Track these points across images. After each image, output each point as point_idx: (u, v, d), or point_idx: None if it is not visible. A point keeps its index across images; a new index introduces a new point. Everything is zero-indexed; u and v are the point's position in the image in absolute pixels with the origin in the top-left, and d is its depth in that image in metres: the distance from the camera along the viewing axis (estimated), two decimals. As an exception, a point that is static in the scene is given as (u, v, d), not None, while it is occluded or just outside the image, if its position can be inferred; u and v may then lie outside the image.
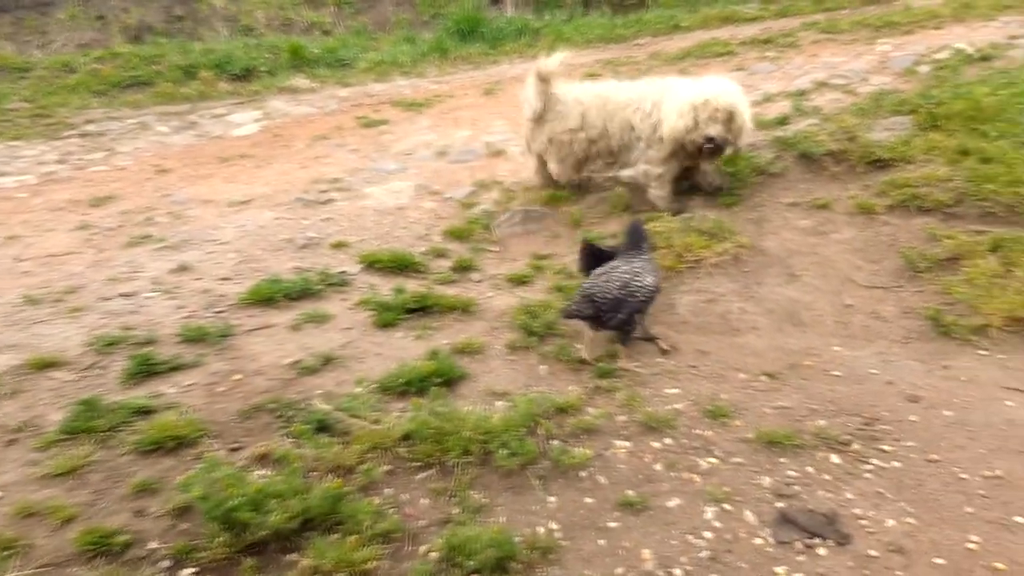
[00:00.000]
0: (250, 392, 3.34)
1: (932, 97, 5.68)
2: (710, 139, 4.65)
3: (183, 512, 2.66)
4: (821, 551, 2.52)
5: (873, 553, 2.50)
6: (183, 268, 4.60)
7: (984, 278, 3.99)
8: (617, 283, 3.57)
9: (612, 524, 2.66)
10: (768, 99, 6.55)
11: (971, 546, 2.51)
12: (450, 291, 4.31)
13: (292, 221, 5.35)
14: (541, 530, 2.63)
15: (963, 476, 2.84)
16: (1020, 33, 7.65)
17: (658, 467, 2.92)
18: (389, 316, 3.96)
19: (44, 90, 9.57)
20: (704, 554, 2.52)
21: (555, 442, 3.01)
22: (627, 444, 3.04)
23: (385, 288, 4.32)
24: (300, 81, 9.73)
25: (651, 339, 3.82)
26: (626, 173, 5.45)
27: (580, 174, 5.49)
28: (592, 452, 2.97)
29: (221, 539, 2.47)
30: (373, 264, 4.60)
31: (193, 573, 2.45)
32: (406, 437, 2.98)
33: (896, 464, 2.91)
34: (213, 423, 3.13)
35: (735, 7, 11.27)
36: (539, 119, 5.28)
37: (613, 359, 3.64)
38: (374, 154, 6.92)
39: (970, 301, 3.92)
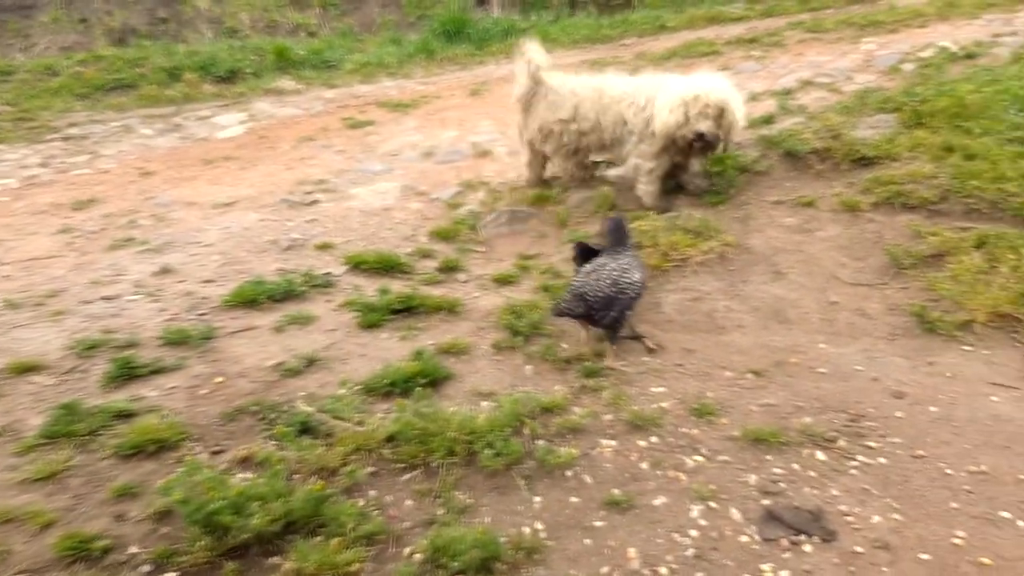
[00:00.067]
0: (232, 394, 3.31)
1: (916, 95, 5.69)
2: (700, 135, 4.64)
3: (164, 516, 2.62)
4: (807, 548, 2.51)
5: (859, 549, 2.49)
6: (166, 270, 4.56)
7: (969, 274, 4.00)
8: (607, 280, 3.56)
9: (598, 523, 2.64)
10: (754, 98, 6.55)
11: (957, 541, 2.51)
12: (436, 292, 4.29)
13: (277, 223, 5.32)
14: (526, 530, 2.61)
15: (948, 472, 2.84)
16: (1004, 31, 7.70)
17: (644, 466, 2.91)
18: (374, 317, 3.93)
19: (26, 93, 9.50)
20: (690, 552, 2.51)
21: (541, 442, 2.99)
22: (613, 443, 3.03)
23: (370, 289, 4.29)
24: (286, 83, 9.70)
25: (637, 338, 3.81)
26: (613, 172, 5.46)
27: (577, 167, 5.47)
28: (578, 451, 2.96)
29: (202, 543, 2.44)
30: (358, 265, 4.57)
31: (173, 578, 2.42)
32: (390, 438, 2.95)
33: (882, 460, 2.91)
34: (195, 426, 3.10)
35: (721, 7, 11.32)
36: (528, 104, 5.28)
37: (599, 358, 3.63)
38: (360, 155, 6.90)
39: (955, 297, 3.92)
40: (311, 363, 3.55)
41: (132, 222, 5.53)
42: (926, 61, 6.92)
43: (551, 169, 5.65)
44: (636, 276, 3.62)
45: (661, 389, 3.40)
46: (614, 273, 3.58)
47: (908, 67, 6.87)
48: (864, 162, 5.06)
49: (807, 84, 6.84)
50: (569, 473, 2.87)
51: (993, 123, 5.14)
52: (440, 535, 2.50)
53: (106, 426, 3.07)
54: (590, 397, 3.34)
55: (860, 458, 2.92)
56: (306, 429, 3.03)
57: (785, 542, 2.53)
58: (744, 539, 2.56)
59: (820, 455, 2.94)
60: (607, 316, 3.56)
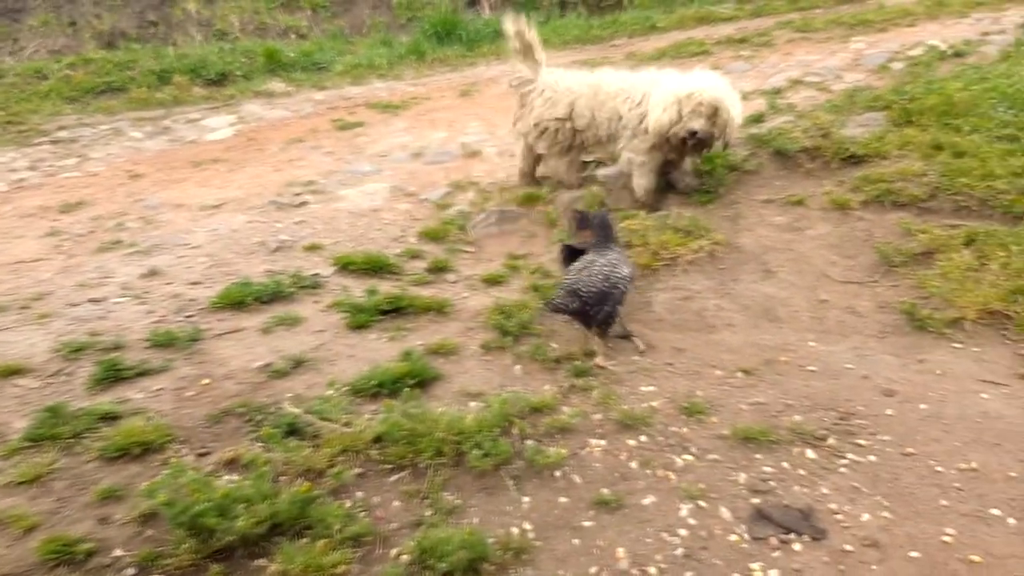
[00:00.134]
0: (219, 396, 3.28)
1: (906, 93, 5.71)
2: (693, 133, 4.63)
3: (149, 519, 2.60)
4: (796, 546, 2.50)
5: (848, 548, 2.48)
6: (153, 273, 4.53)
7: (958, 272, 4.00)
8: (599, 276, 3.55)
9: (587, 523, 2.63)
10: (744, 97, 6.48)
11: (946, 539, 2.50)
12: (425, 292, 4.27)
13: (265, 224, 5.29)
14: (515, 531, 2.59)
15: (938, 469, 2.83)
16: (992, 30, 7.74)
17: (633, 465, 2.90)
18: (362, 318, 3.91)
19: (15, 97, 9.42)
20: (679, 551, 2.49)
21: (529, 442, 2.98)
22: (602, 443, 3.01)
23: (358, 290, 4.27)
24: (276, 85, 9.66)
25: (627, 336, 3.79)
26: (603, 172, 5.44)
27: (570, 167, 5.45)
28: (567, 451, 2.94)
29: (187, 545, 2.42)
30: (347, 266, 4.55)
31: (158, 581, 2.40)
32: (378, 439, 2.93)
33: (872, 458, 2.90)
34: (181, 428, 3.07)
35: (710, 7, 11.34)
36: (524, 96, 5.27)
37: (589, 357, 3.61)
38: (349, 156, 6.87)
39: (945, 295, 3.92)
40: (298, 364, 3.52)
41: (120, 225, 5.49)
42: (915, 60, 6.94)
43: (542, 169, 5.64)
44: (625, 271, 3.64)
45: (651, 388, 3.38)
46: (605, 268, 3.58)
47: (897, 66, 6.89)
48: (854, 160, 5.06)
49: (796, 83, 6.85)
50: (558, 473, 2.85)
51: (982, 121, 5.15)
52: (427, 536, 2.48)
53: (91, 429, 3.04)
54: (579, 397, 3.32)
55: (850, 456, 2.91)
56: (293, 431, 3.00)
57: (775, 541, 2.52)
58: (734, 538, 2.54)
59: (810, 453, 2.94)
60: (601, 311, 3.55)
